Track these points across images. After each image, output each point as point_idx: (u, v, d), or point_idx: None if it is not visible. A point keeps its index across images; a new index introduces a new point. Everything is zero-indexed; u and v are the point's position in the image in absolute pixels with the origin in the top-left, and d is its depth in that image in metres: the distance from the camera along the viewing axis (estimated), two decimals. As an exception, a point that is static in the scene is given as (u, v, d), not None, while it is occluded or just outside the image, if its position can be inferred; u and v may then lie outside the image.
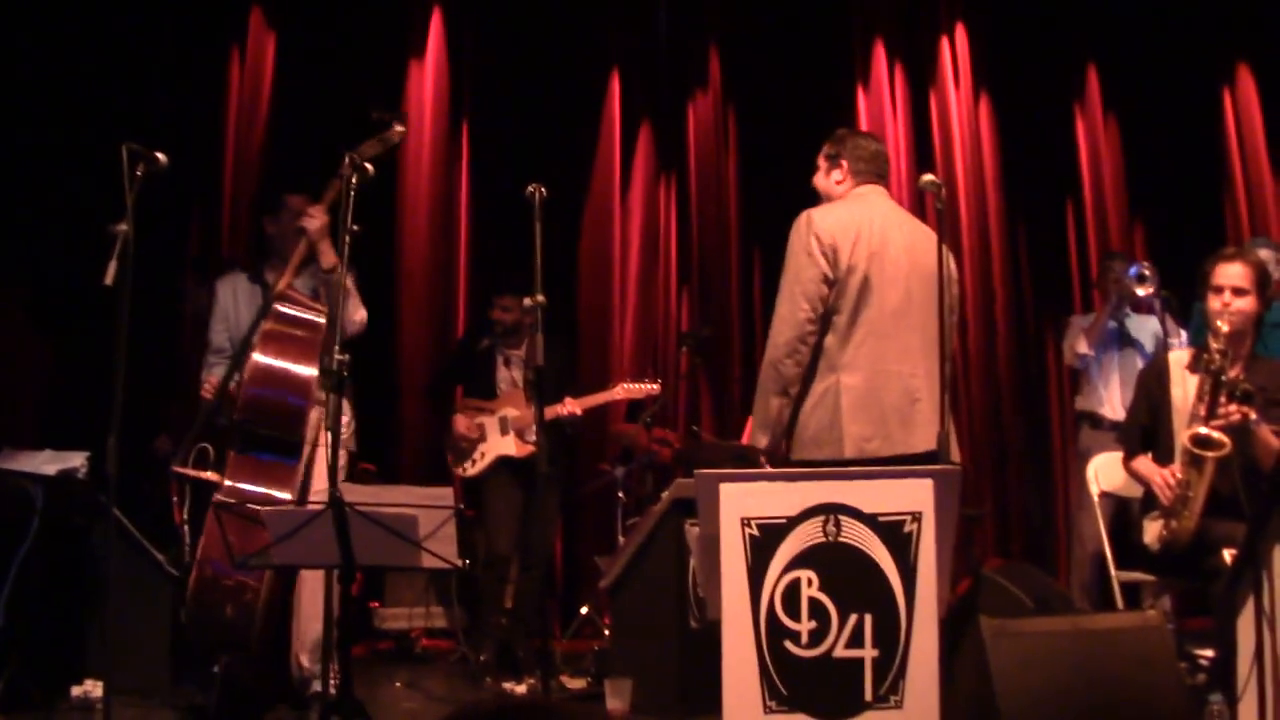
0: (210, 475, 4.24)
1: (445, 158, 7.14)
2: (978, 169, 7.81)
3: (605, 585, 4.99)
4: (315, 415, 4.49)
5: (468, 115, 7.24)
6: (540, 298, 3.68)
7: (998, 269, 7.76)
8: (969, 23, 7.90)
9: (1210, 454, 3.94)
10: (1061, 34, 7.98)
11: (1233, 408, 3.94)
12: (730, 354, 7.46)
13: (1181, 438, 4.09)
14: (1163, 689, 3.18)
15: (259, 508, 3.34)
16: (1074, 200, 7.88)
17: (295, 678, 4.61)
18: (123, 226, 3.73)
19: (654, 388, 5.87)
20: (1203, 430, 3.96)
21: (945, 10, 7.91)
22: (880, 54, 7.80)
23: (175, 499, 4.34)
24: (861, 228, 3.73)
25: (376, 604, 6.29)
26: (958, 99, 7.81)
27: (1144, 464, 4.27)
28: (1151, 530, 4.20)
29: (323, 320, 4.26)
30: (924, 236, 3.85)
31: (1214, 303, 4.15)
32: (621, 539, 5.93)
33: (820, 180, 4.02)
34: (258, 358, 4.13)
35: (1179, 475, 4.03)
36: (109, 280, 3.64)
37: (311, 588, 4.65)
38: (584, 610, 6.36)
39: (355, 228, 3.61)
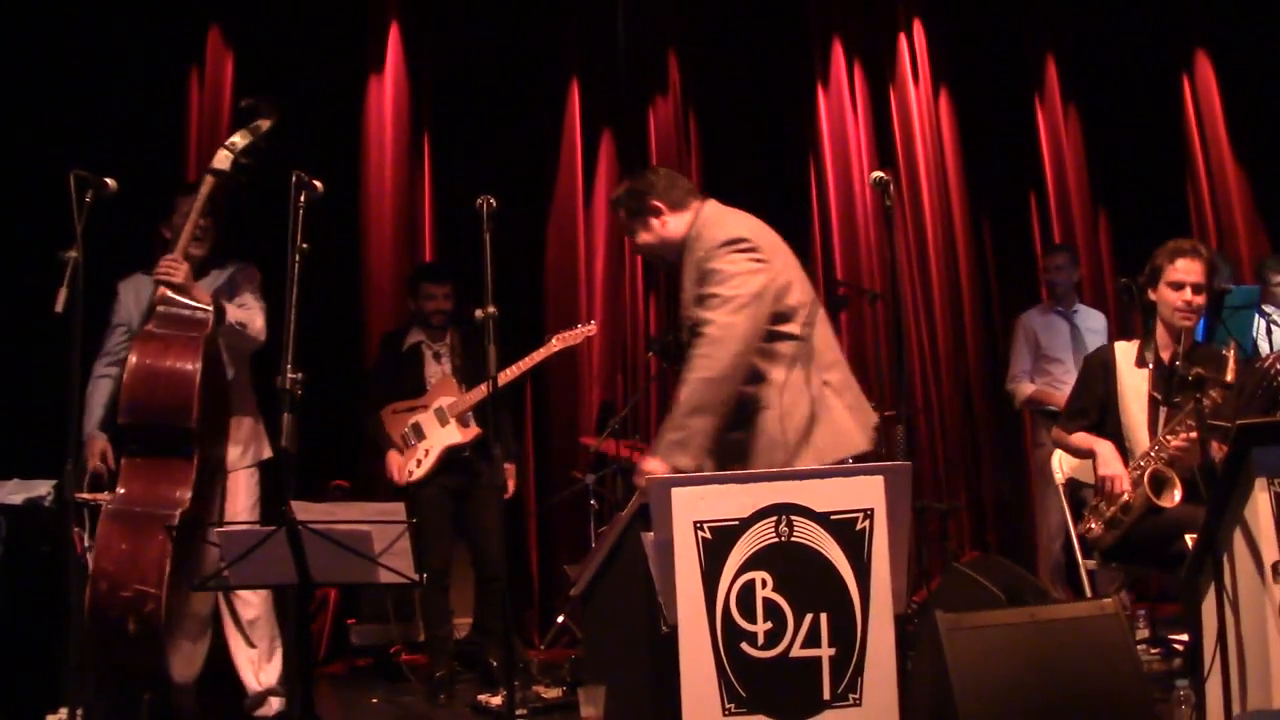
0: (106, 497, 4.16)
1: (407, 171, 7.12)
2: (940, 164, 7.85)
3: (575, 593, 4.98)
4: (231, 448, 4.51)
5: (428, 128, 7.23)
6: (491, 309, 3.68)
7: (963, 263, 7.81)
8: (926, 19, 7.95)
9: (1158, 499, 3.99)
10: (1019, 27, 8.05)
11: (1184, 436, 3.99)
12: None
13: (1143, 445, 4.14)
14: (1121, 677, 3.19)
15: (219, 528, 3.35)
16: (1037, 192, 7.93)
17: (247, 700, 4.63)
18: (73, 253, 3.75)
19: (590, 328, 5.69)
20: (1167, 473, 4.01)
21: (902, 7, 7.96)
22: (839, 53, 7.85)
23: (77, 529, 4.13)
24: (759, 231, 3.71)
25: (353, 620, 6.28)
26: (917, 95, 7.86)
27: (1084, 436, 4.30)
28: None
29: (207, 317, 4.13)
30: None
31: (1176, 299, 4.18)
32: (594, 546, 5.92)
33: (650, 236, 3.84)
34: (135, 360, 3.92)
35: (1127, 488, 4.07)
36: (59, 308, 3.66)
37: (252, 606, 4.64)
38: (560, 619, 6.36)
39: (304, 246, 3.61)
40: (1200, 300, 4.17)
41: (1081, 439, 4.32)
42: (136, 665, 3.81)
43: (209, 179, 4.30)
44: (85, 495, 4.23)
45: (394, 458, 5.44)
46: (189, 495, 3.86)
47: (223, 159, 4.31)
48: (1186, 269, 4.17)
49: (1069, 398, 4.58)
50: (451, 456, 5.41)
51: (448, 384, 5.50)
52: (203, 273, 4.54)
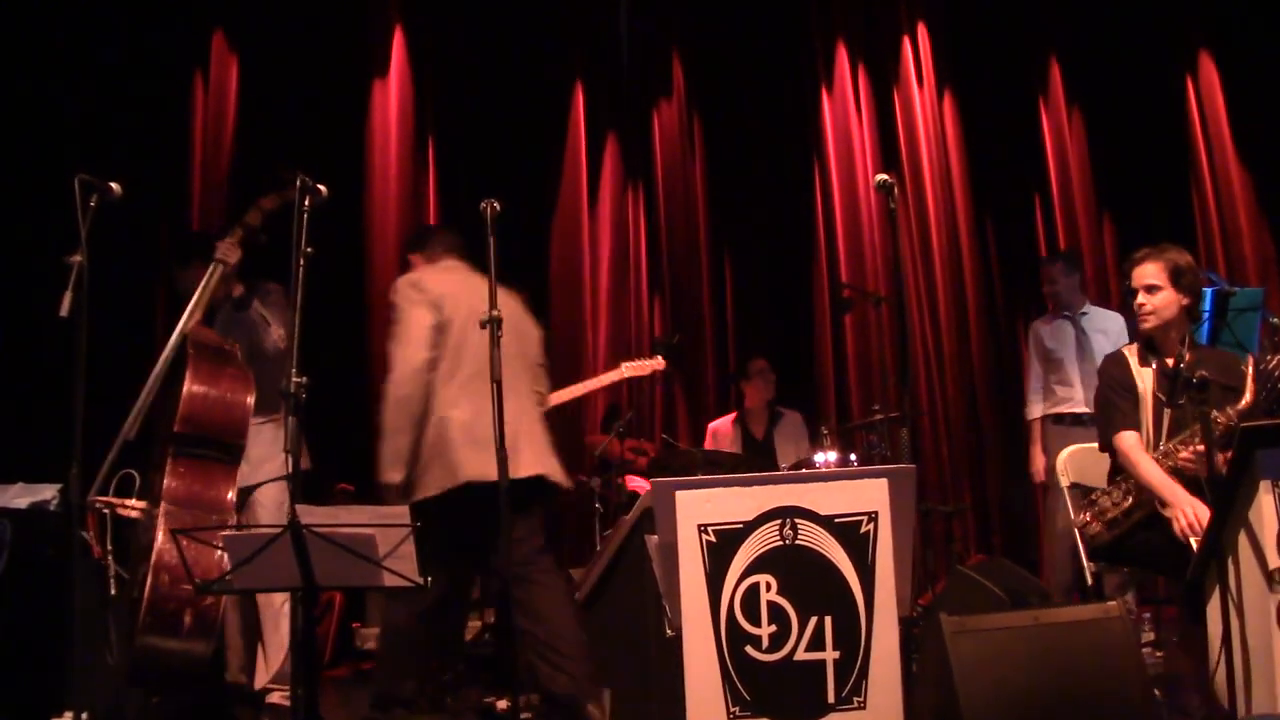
0: (134, 504, 4.22)
1: (411, 174, 7.14)
2: (944, 167, 7.85)
3: (580, 597, 4.98)
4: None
5: (433, 132, 7.25)
6: (496, 312, 3.68)
7: (968, 266, 7.80)
8: (930, 22, 7.96)
9: (1164, 509, 3.98)
10: (1022, 28, 8.04)
11: (1194, 449, 3.90)
12: (703, 360, 7.48)
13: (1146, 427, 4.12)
14: (1125, 680, 3.19)
15: (220, 530, 3.36)
16: (1041, 194, 7.93)
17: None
18: (77, 257, 3.75)
19: (657, 362, 5.87)
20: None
21: (906, 10, 7.96)
22: (843, 56, 7.86)
23: (90, 532, 4.20)
24: (455, 287, 4.20)
25: (358, 624, 6.28)
26: (922, 98, 7.86)
27: (1161, 479, 3.96)
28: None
29: (234, 349, 4.52)
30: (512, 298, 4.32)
31: (1134, 304, 4.25)
32: (599, 549, 5.92)
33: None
34: (194, 388, 4.26)
35: (1204, 515, 3.76)
36: (64, 312, 3.66)
37: (275, 612, 4.67)
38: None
39: (309, 250, 3.61)
40: (1156, 300, 4.19)
41: (1159, 482, 3.97)
42: (181, 661, 3.97)
43: (239, 231, 4.64)
44: (109, 499, 4.23)
45: None
46: (233, 498, 4.28)
47: (255, 216, 4.66)
48: (1135, 275, 4.25)
49: (1104, 396, 4.39)
50: None
51: None
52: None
